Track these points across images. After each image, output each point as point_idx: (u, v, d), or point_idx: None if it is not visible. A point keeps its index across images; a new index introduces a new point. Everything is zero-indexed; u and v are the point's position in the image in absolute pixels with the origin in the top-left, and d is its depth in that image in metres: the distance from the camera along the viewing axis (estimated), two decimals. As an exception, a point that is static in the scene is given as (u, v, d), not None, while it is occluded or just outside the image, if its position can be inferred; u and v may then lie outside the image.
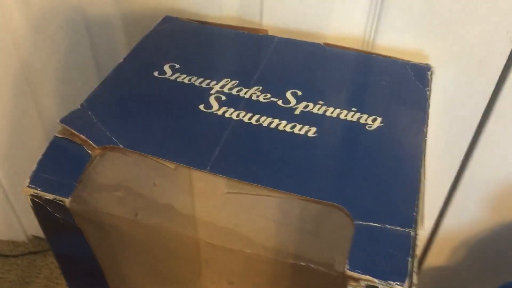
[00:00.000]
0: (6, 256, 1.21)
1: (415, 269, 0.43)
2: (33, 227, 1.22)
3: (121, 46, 0.77)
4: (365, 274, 0.41)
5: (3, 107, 0.87)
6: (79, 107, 0.52)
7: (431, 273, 0.88)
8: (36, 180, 0.48)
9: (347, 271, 0.41)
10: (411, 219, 0.44)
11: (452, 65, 0.62)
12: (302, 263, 0.45)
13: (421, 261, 0.88)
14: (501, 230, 0.76)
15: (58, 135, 0.50)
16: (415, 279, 0.43)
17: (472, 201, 0.75)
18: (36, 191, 0.47)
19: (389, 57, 0.60)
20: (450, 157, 0.71)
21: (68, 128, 0.49)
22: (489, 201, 0.74)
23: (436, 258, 0.86)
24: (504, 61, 0.60)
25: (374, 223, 0.44)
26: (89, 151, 0.48)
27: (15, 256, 1.21)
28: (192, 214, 0.48)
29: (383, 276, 0.41)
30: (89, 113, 0.51)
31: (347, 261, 0.42)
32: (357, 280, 0.42)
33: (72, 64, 0.80)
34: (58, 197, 0.47)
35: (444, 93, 0.64)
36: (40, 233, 1.26)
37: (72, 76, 0.81)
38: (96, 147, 0.48)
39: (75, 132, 0.49)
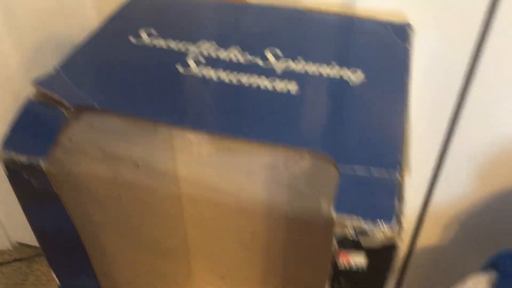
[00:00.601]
0: (-9, 264, 1.18)
1: (402, 213, 0.42)
2: (18, 234, 1.20)
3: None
4: (351, 216, 0.40)
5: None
6: (53, 70, 0.51)
7: (425, 253, 0.87)
8: (9, 143, 0.46)
9: (334, 214, 0.40)
10: (396, 161, 0.43)
11: (432, 26, 0.62)
12: (290, 214, 0.43)
13: (413, 242, 0.86)
14: (491, 200, 0.75)
15: (31, 97, 0.48)
16: (403, 223, 0.41)
17: (461, 173, 0.74)
18: (10, 155, 0.46)
19: (369, 19, 0.59)
20: (435, 125, 0.70)
21: (43, 89, 0.48)
22: (478, 171, 0.73)
23: (429, 237, 0.84)
24: (484, 17, 0.59)
25: (359, 165, 0.42)
26: (64, 112, 0.47)
27: (-1, 265, 1.18)
28: (173, 171, 0.46)
29: (370, 217, 0.40)
30: (63, 75, 0.50)
31: (333, 205, 0.40)
32: (343, 223, 0.40)
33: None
34: (33, 160, 0.45)
35: (425, 57, 0.63)
36: (25, 239, 1.22)
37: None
38: (72, 108, 0.47)
39: (50, 94, 0.48)
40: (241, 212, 0.45)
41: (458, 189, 0.76)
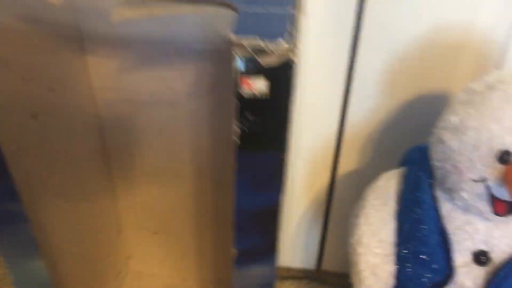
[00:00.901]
0: None
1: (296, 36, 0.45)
2: None
3: None
4: (248, 37, 0.43)
5: None
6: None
7: (347, 178, 0.90)
8: None
9: (233, 38, 0.44)
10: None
11: None
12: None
13: (334, 170, 0.90)
14: (402, 111, 0.81)
15: None
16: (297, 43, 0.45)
17: (369, 87, 0.79)
18: None
19: None
20: (340, 44, 0.75)
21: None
22: (385, 83, 0.79)
23: (349, 161, 0.88)
24: None
25: (256, 5, 0.47)
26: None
27: None
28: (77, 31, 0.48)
29: (266, 36, 0.44)
30: None
31: (231, 28, 0.44)
32: (242, 44, 0.44)
33: None
34: None
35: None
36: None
37: None
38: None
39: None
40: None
41: (369, 106, 0.81)
